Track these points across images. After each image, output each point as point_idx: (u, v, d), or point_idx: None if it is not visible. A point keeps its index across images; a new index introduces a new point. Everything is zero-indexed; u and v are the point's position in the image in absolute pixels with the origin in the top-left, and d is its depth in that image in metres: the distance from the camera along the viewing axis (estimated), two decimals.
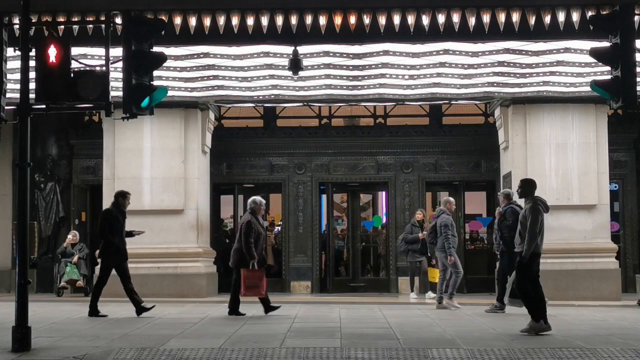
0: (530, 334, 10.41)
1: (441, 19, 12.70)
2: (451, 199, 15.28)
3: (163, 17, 12.14)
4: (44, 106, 9.75)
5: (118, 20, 10.33)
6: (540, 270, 16.83)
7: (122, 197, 13.23)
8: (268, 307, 13.17)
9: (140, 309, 12.86)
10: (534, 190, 10.98)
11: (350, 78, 15.57)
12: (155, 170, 17.45)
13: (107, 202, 17.45)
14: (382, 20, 12.73)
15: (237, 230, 13.78)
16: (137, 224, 17.15)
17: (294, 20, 12.79)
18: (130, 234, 13.54)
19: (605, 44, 10.55)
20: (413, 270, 17.70)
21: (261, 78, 15.58)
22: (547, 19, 12.65)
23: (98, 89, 9.53)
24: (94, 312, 12.84)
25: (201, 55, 14.32)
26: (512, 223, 13.22)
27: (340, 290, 19.38)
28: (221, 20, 12.79)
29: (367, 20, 12.75)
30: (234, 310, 13.09)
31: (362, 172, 19.80)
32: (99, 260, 13.59)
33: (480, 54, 14.16)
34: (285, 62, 13.97)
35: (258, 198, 13.53)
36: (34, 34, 10.04)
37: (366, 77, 15.58)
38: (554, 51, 14.10)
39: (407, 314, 13.67)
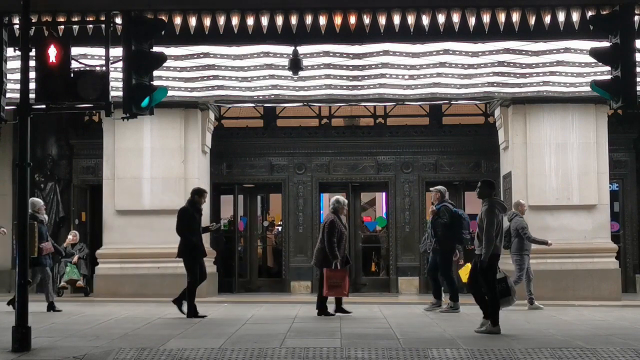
0: (487, 333, 10.48)
1: (441, 19, 12.70)
2: (522, 201, 15.37)
3: (163, 17, 12.13)
4: (44, 106, 9.75)
5: (118, 20, 10.33)
6: (540, 270, 16.98)
7: (198, 194, 13.13)
8: (340, 308, 13.11)
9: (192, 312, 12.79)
10: (493, 191, 11.02)
11: (350, 78, 15.57)
12: (155, 170, 17.45)
13: (107, 202, 17.51)
14: (382, 20, 12.73)
15: (319, 231, 13.72)
16: (137, 224, 17.22)
17: (294, 20, 12.78)
18: (207, 229, 13.53)
19: (605, 44, 10.56)
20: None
21: (261, 78, 15.57)
22: (547, 19, 12.65)
23: (98, 89, 9.53)
24: (193, 313, 12.74)
25: (201, 55, 14.32)
26: (446, 221, 13.79)
27: None
28: (221, 20, 12.79)
29: (367, 20, 12.75)
30: (322, 310, 13.07)
31: (362, 172, 19.79)
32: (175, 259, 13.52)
33: (480, 54, 14.16)
34: (285, 62, 13.97)
35: (341, 198, 13.53)
36: (34, 34, 10.05)
37: (366, 77, 15.57)
38: (554, 51, 14.09)
39: (407, 314, 13.67)
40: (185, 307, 12.80)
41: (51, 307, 13.73)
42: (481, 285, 10.81)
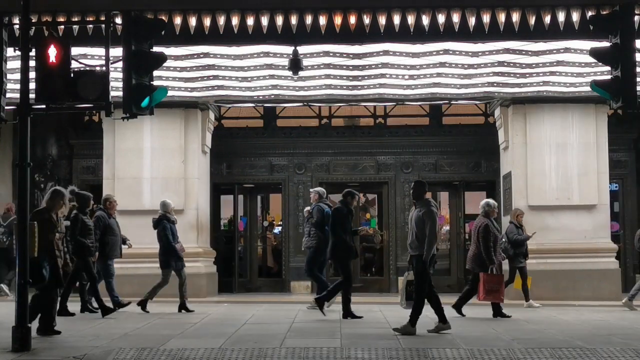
0: (404, 333, 10.44)
1: (441, 19, 12.70)
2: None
3: (163, 17, 12.12)
4: (44, 106, 9.75)
5: (118, 20, 10.32)
6: (540, 270, 16.98)
7: (350, 196, 13.19)
8: (499, 312, 13.10)
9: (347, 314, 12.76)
10: (426, 191, 11.06)
11: (350, 78, 15.57)
12: (155, 170, 17.45)
13: None
14: (382, 20, 12.73)
15: (472, 234, 13.74)
16: (137, 224, 17.18)
17: (294, 20, 12.78)
18: (355, 232, 13.53)
19: (605, 44, 10.56)
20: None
21: (261, 78, 15.57)
22: (547, 19, 12.65)
23: (98, 89, 9.53)
24: (349, 313, 12.72)
25: (201, 55, 14.32)
26: (316, 220, 14.03)
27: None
28: (221, 20, 12.79)
29: (367, 20, 12.75)
30: (498, 312, 13.12)
31: (362, 172, 19.79)
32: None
33: (480, 54, 14.16)
34: (285, 62, 13.97)
35: (491, 200, 13.65)
36: (34, 34, 10.05)
37: (366, 77, 15.57)
38: (554, 51, 14.09)
39: (407, 314, 13.64)
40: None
41: (183, 307, 13.78)
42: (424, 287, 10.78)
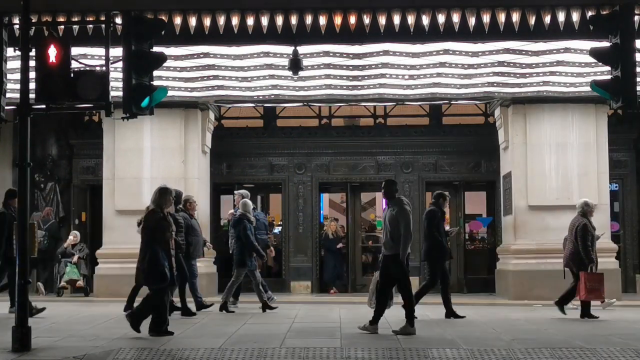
0: (403, 334, 10.43)
1: (441, 19, 12.70)
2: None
3: (163, 17, 12.13)
4: (44, 106, 9.75)
5: (118, 20, 10.32)
6: (540, 271, 16.94)
7: (442, 198, 13.27)
8: (587, 313, 13.05)
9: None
10: (396, 191, 11.04)
11: (350, 78, 15.57)
12: (155, 170, 17.44)
13: (107, 202, 17.51)
14: (382, 20, 12.73)
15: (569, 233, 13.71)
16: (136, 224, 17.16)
17: (294, 20, 12.78)
18: (448, 233, 13.53)
19: (605, 44, 10.56)
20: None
21: (261, 78, 15.57)
22: (547, 19, 12.65)
23: (98, 89, 9.53)
24: (451, 313, 12.81)
25: (201, 55, 14.32)
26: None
27: (341, 290, 19.36)
28: (221, 20, 12.79)
29: (367, 20, 12.75)
30: (586, 313, 13.10)
31: (362, 172, 19.79)
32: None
33: (480, 54, 14.16)
34: (285, 62, 13.97)
35: (589, 200, 13.63)
36: (34, 34, 10.05)
37: (366, 77, 15.57)
38: (554, 51, 14.09)
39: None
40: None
41: (266, 307, 13.74)
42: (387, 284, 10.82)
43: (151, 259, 10.26)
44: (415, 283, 19.09)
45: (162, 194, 10.64)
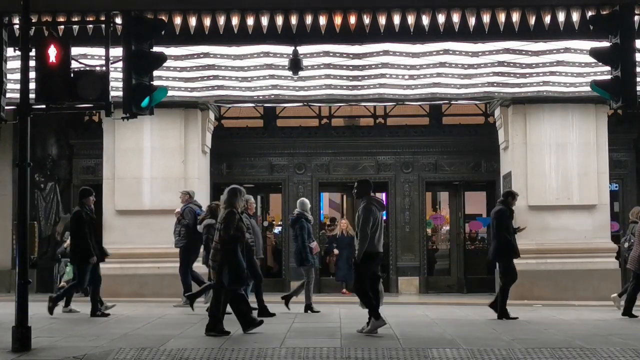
0: (372, 333, 10.36)
1: (441, 19, 12.70)
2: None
3: (163, 17, 12.13)
4: (44, 106, 9.76)
5: (118, 20, 10.32)
6: (541, 271, 16.93)
7: (511, 196, 13.18)
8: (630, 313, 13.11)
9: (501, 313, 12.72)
10: (370, 190, 10.90)
11: (350, 78, 15.57)
12: (155, 170, 17.44)
13: (107, 202, 17.50)
14: (382, 20, 12.73)
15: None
16: (137, 224, 17.21)
17: (294, 20, 12.78)
18: (515, 231, 13.45)
19: (605, 44, 10.56)
20: None
21: (261, 78, 15.57)
22: (547, 19, 12.65)
23: (98, 89, 9.53)
24: (504, 314, 12.67)
25: (201, 55, 14.32)
26: (188, 222, 14.56)
27: (340, 290, 19.37)
28: (221, 20, 12.79)
29: (367, 20, 12.75)
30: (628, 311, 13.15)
31: (362, 172, 19.77)
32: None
33: (480, 54, 14.16)
34: (285, 62, 13.97)
35: None
36: (34, 34, 10.05)
37: (366, 77, 15.57)
38: (554, 51, 14.09)
39: (407, 314, 13.67)
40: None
41: (309, 308, 13.71)
42: (362, 285, 10.74)
43: (231, 260, 10.33)
44: (414, 283, 19.25)
45: (235, 194, 10.73)
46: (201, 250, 13.92)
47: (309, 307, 13.68)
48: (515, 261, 16.90)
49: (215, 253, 10.51)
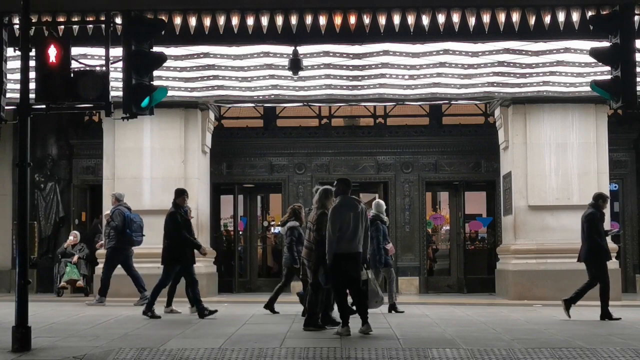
0: (340, 335, 10.29)
1: (441, 19, 12.70)
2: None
3: (163, 17, 12.13)
4: (44, 106, 9.75)
5: (118, 20, 10.33)
6: (540, 271, 16.92)
7: (602, 199, 13.08)
8: None
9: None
10: (347, 189, 10.76)
11: (350, 78, 15.57)
12: (155, 170, 17.45)
13: (107, 202, 17.50)
14: (382, 20, 12.73)
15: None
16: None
17: (294, 20, 12.78)
18: (607, 233, 13.45)
19: (605, 44, 10.55)
20: None
21: (261, 78, 15.57)
22: (547, 19, 12.65)
23: (98, 89, 9.53)
24: (607, 315, 12.72)
25: (201, 55, 14.32)
26: (117, 224, 15.02)
27: None
28: (221, 20, 12.79)
29: (367, 20, 12.75)
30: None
31: (362, 172, 19.79)
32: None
33: (480, 54, 14.16)
34: (285, 62, 13.97)
35: None
36: (34, 34, 10.04)
37: (366, 77, 15.57)
38: (554, 51, 14.09)
39: (407, 314, 13.67)
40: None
41: (393, 308, 13.69)
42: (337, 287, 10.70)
43: (325, 260, 10.49)
44: (415, 283, 19.25)
45: (327, 195, 10.95)
46: (284, 250, 13.85)
47: (393, 307, 13.68)
48: (515, 261, 16.99)
49: (309, 253, 10.88)
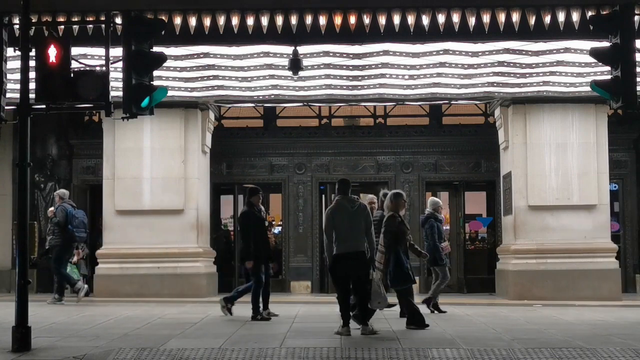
0: (339, 334, 10.35)
1: (441, 19, 12.70)
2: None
3: (163, 17, 12.12)
4: (44, 106, 9.76)
5: (118, 20, 10.32)
6: (540, 271, 16.93)
7: None
8: None
9: None
10: (347, 189, 10.83)
11: (350, 78, 15.57)
12: (155, 170, 17.44)
13: (107, 202, 17.51)
14: (382, 20, 12.73)
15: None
16: (136, 224, 17.21)
17: (294, 20, 12.78)
18: None
19: (605, 44, 10.56)
20: None
21: (261, 78, 15.57)
22: (547, 19, 12.65)
23: (98, 89, 9.53)
24: None
25: (201, 55, 14.32)
26: (59, 220, 15.48)
27: None
28: (221, 20, 12.78)
29: (367, 20, 12.75)
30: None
31: (362, 172, 19.79)
32: None
33: (480, 54, 14.16)
34: (285, 62, 13.97)
35: None
36: (34, 34, 10.05)
37: (366, 77, 15.57)
38: (554, 51, 14.09)
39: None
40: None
41: (435, 308, 13.64)
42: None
43: (396, 262, 10.92)
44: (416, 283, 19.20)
45: (397, 198, 11.23)
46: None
47: (435, 307, 13.67)
48: (515, 261, 16.99)
49: (381, 256, 11.11)
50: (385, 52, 14.01)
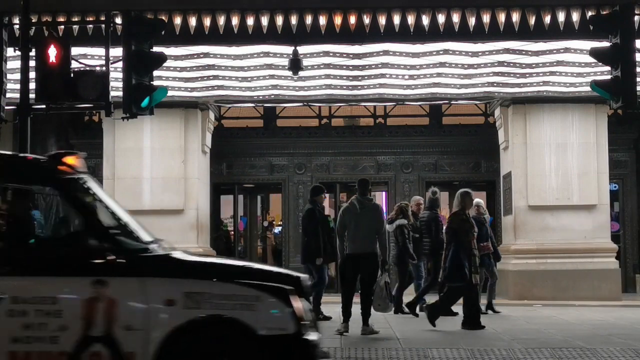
0: (366, 334, 10.39)
1: (441, 19, 12.70)
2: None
3: (163, 17, 12.13)
4: (44, 106, 9.77)
5: (118, 20, 10.33)
6: (540, 271, 16.91)
7: None
8: None
9: None
10: (364, 189, 10.90)
11: (350, 78, 15.57)
12: (155, 170, 17.43)
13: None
14: (382, 20, 12.73)
15: None
16: None
17: (294, 20, 12.78)
18: None
19: (605, 44, 10.56)
20: None
21: (261, 78, 15.57)
22: (547, 19, 12.65)
23: (98, 89, 9.54)
24: None
25: (201, 55, 14.32)
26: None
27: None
28: (221, 20, 12.79)
29: (367, 20, 12.75)
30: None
31: (362, 172, 19.74)
32: None
33: (480, 54, 14.16)
34: (285, 62, 13.97)
35: None
36: (34, 34, 10.07)
37: (366, 77, 15.57)
38: (554, 51, 14.09)
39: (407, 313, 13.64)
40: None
41: (490, 308, 13.62)
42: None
43: (452, 259, 10.84)
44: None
45: (464, 197, 11.23)
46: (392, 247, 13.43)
47: (490, 307, 13.63)
48: (515, 261, 16.98)
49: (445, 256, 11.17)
50: (385, 52, 14.01)
